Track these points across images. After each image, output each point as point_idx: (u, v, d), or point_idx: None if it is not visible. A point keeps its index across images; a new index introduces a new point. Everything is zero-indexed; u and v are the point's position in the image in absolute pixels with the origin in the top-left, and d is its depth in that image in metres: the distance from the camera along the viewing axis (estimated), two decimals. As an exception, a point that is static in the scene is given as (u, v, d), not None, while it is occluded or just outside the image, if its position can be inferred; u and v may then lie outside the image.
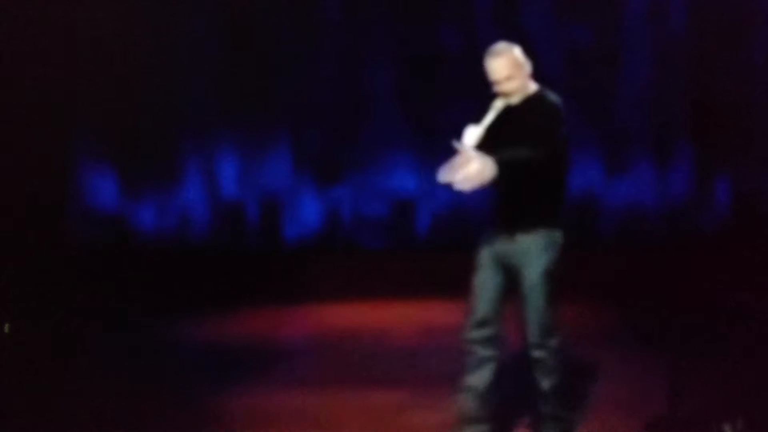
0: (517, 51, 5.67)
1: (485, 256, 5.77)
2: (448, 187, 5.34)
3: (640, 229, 11.89)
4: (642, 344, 8.51)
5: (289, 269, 11.46)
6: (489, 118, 5.61)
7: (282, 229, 12.16)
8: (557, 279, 5.68)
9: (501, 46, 5.68)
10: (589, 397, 6.87)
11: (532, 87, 5.72)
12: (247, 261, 11.72)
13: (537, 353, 5.68)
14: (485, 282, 5.75)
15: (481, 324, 5.74)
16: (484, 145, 5.47)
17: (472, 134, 5.55)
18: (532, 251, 5.64)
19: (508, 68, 5.61)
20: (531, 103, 5.67)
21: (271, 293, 10.90)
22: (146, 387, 7.51)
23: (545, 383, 5.71)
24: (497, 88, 5.64)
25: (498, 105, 5.65)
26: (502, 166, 5.31)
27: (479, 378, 5.76)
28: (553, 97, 5.68)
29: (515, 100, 5.67)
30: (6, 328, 9.50)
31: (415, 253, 11.89)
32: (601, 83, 11.88)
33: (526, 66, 5.68)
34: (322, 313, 10.31)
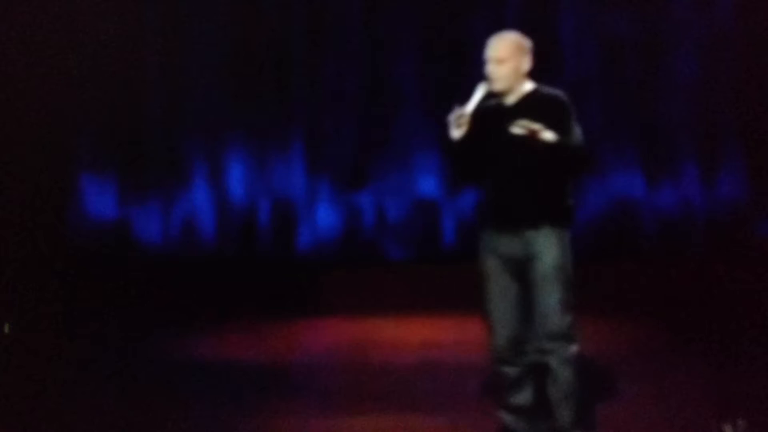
0: (526, 44, 5.76)
1: (491, 265, 5.77)
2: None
3: (686, 238, 11.73)
4: (681, 361, 8.43)
5: (303, 281, 11.38)
6: (473, 102, 5.65)
7: (296, 238, 12.04)
8: (572, 281, 5.69)
9: (512, 32, 5.78)
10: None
11: (528, 86, 5.77)
12: (257, 272, 11.65)
13: (547, 359, 5.68)
14: (501, 295, 5.75)
15: (510, 342, 5.77)
16: (490, 142, 5.63)
17: (458, 119, 5.63)
18: (542, 244, 5.67)
19: (507, 51, 5.68)
20: (539, 101, 5.71)
21: (283, 307, 10.86)
22: (148, 405, 7.34)
23: (555, 392, 5.70)
24: (487, 68, 5.69)
25: (480, 90, 5.69)
26: (562, 144, 5.50)
27: (522, 397, 5.83)
28: (556, 92, 5.74)
29: (511, 99, 5.73)
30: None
31: (441, 264, 11.73)
32: (640, 79, 11.71)
33: (526, 64, 5.73)
34: (338, 328, 10.24)
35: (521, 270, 5.70)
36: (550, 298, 5.63)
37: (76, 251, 11.63)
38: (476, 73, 11.49)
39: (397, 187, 12.00)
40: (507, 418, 5.87)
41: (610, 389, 7.27)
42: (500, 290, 5.75)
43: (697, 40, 11.75)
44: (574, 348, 5.69)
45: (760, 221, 11.64)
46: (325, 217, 12.02)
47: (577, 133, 5.69)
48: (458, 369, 8.37)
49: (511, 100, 5.73)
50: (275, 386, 8.01)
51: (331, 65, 11.98)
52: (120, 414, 7.08)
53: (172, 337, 9.84)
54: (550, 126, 5.54)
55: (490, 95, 5.73)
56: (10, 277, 10.49)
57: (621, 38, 11.58)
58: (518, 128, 5.50)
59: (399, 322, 10.38)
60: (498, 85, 5.69)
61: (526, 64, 5.72)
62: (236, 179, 12.04)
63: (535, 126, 5.48)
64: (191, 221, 12.01)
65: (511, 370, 5.79)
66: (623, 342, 9.07)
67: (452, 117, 5.62)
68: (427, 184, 11.97)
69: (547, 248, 5.65)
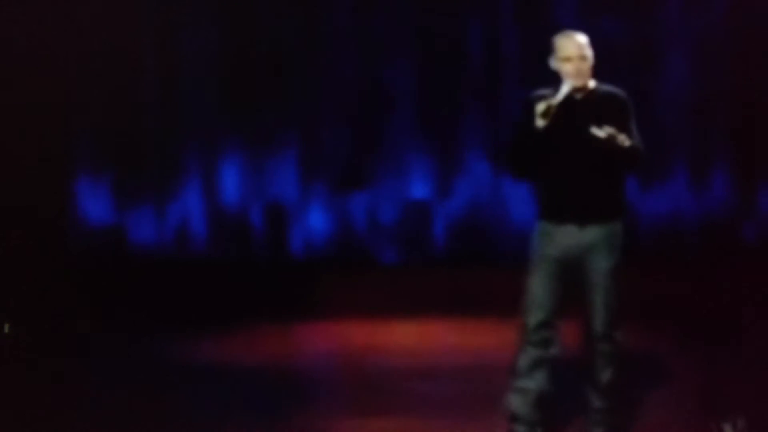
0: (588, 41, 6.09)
1: (544, 252, 6.01)
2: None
3: (677, 242, 11.71)
4: (676, 362, 8.47)
5: (295, 284, 11.32)
6: (561, 95, 5.88)
7: (289, 241, 12.01)
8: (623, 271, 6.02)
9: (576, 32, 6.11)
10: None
11: (591, 82, 6.09)
12: (250, 274, 11.59)
13: (601, 345, 6.00)
14: (546, 281, 5.98)
15: (541, 326, 6.00)
16: (557, 135, 5.85)
17: (546, 109, 5.84)
18: (606, 241, 5.97)
19: (587, 48, 6.00)
20: (603, 96, 6.03)
21: (276, 310, 10.76)
22: (143, 409, 7.36)
23: (604, 375, 6.02)
24: (568, 66, 5.95)
25: (567, 86, 5.92)
26: (633, 148, 5.87)
27: (533, 381, 6.04)
28: (617, 89, 6.10)
29: (578, 94, 5.99)
30: (6, 328, 9.76)
31: (433, 267, 11.75)
32: (632, 83, 11.52)
33: (592, 60, 6.06)
34: (330, 331, 10.19)
35: (574, 262, 5.99)
36: (610, 292, 5.98)
37: (71, 254, 11.58)
38: (470, 75, 11.63)
39: (389, 191, 11.99)
40: (513, 399, 6.08)
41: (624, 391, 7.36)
42: (547, 275, 5.98)
43: (689, 45, 11.73)
44: (622, 331, 6.05)
45: (748, 225, 11.65)
46: (317, 219, 11.99)
47: (635, 131, 6.02)
48: (452, 372, 8.40)
49: (578, 95, 6.01)
50: (269, 389, 8.00)
51: (324, 68, 11.94)
52: (115, 416, 7.10)
53: (165, 341, 9.79)
54: (613, 120, 5.87)
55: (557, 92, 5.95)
56: (10, 279, 10.42)
57: (613, 42, 11.51)
58: (601, 132, 5.79)
59: (392, 325, 10.36)
60: (582, 81, 5.98)
61: (592, 60, 6.06)
62: (230, 182, 12.01)
63: (615, 132, 5.79)
64: (185, 224, 11.97)
65: (534, 353, 6.00)
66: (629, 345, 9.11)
67: (540, 107, 5.83)
68: (420, 188, 11.96)
69: (611, 246, 5.99)
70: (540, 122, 5.82)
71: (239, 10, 11.90)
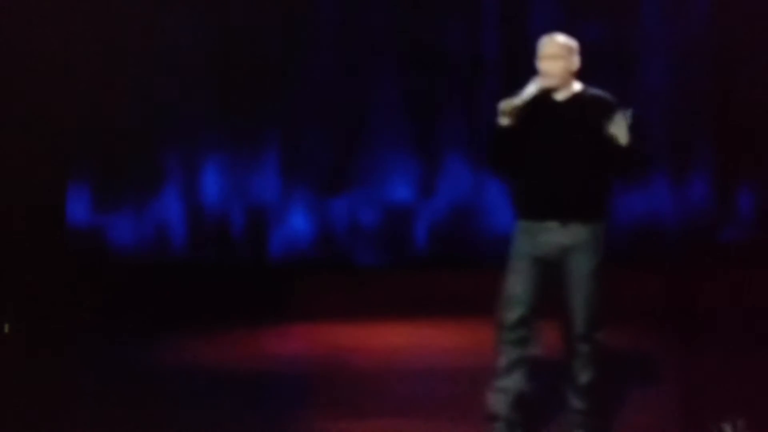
0: (574, 45, 6.08)
1: (524, 250, 5.99)
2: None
3: (655, 244, 11.76)
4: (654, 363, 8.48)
5: (276, 287, 11.28)
6: (526, 94, 5.88)
7: (269, 244, 12.03)
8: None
9: (561, 34, 6.10)
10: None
11: (577, 86, 6.08)
12: (231, 277, 11.58)
13: (581, 346, 5.97)
14: (524, 279, 5.97)
15: (518, 324, 5.97)
16: (540, 135, 5.90)
17: (510, 107, 5.87)
18: (589, 242, 5.95)
19: (560, 49, 6.00)
20: (589, 99, 6.03)
21: (256, 312, 10.76)
22: (121, 412, 7.30)
23: (584, 377, 6.00)
24: (541, 65, 5.99)
25: (534, 85, 5.93)
26: (630, 147, 5.83)
27: (512, 380, 6.01)
28: (604, 93, 6.07)
29: (561, 96, 6.02)
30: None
31: (414, 270, 11.78)
32: (613, 86, 11.60)
33: (575, 63, 6.05)
34: (310, 334, 10.18)
35: (555, 262, 5.96)
36: (591, 293, 5.94)
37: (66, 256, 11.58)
38: (452, 79, 11.66)
39: (370, 194, 12.02)
40: (493, 399, 6.06)
41: (617, 392, 7.34)
42: (526, 274, 5.96)
43: (668, 48, 11.80)
44: (603, 332, 6.01)
45: (728, 228, 11.72)
46: (299, 222, 12.01)
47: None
48: (432, 374, 8.41)
49: (561, 96, 6.03)
50: (249, 392, 7.99)
51: (305, 72, 11.97)
52: (94, 420, 7.10)
53: (144, 343, 9.78)
54: (599, 124, 5.86)
55: (541, 91, 5.98)
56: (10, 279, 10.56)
57: (593, 46, 11.66)
58: (617, 127, 5.80)
59: (372, 328, 10.38)
60: (551, 81, 5.97)
61: (576, 63, 6.05)
62: (210, 185, 12.02)
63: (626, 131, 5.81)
64: (165, 227, 11.98)
65: (512, 352, 5.99)
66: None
67: (501, 105, 5.86)
68: (401, 191, 11.99)
69: (594, 245, 5.96)
70: (504, 120, 5.87)
71: (221, 12, 11.93)
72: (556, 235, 5.94)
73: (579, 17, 11.60)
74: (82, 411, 7.42)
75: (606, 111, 5.93)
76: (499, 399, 6.04)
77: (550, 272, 5.97)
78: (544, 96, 5.97)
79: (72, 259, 11.38)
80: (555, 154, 5.94)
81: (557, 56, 5.97)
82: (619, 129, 5.81)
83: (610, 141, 5.84)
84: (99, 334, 10.21)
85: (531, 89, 5.91)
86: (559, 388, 6.13)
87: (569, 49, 6.03)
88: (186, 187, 12.00)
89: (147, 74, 11.86)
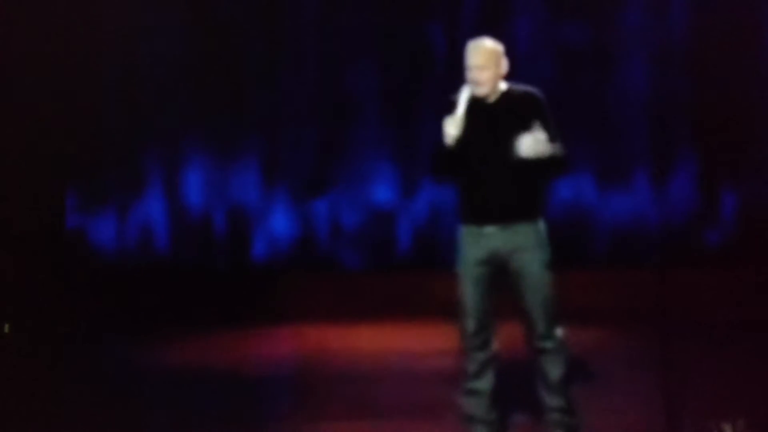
0: (501, 49, 6.08)
1: (471, 257, 6.02)
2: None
3: (638, 247, 11.72)
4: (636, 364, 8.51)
5: (258, 289, 11.28)
6: (461, 106, 5.95)
7: (251, 246, 12.01)
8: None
9: (487, 39, 6.09)
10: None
11: (503, 85, 6.10)
12: (213, 279, 11.60)
13: (544, 344, 6.00)
14: (474, 286, 6.02)
15: (478, 330, 6.03)
16: (474, 139, 5.93)
17: (454, 123, 5.93)
18: (533, 241, 6.00)
19: (488, 58, 6.02)
20: (516, 98, 6.07)
21: (238, 315, 10.78)
22: (101, 414, 7.32)
23: (554, 374, 6.02)
24: (469, 75, 6.01)
25: (465, 95, 5.98)
26: (555, 156, 5.88)
27: (484, 381, 6.08)
28: (529, 89, 6.10)
29: (491, 98, 6.05)
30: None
31: (396, 272, 11.76)
32: (594, 88, 11.75)
33: (504, 66, 6.08)
34: (293, 336, 10.21)
35: (502, 263, 5.99)
36: (545, 292, 5.99)
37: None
38: (432, 82, 11.69)
39: (352, 196, 12.01)
40: (466, 402, 6.12)
41: (603, 392, 7.46)
42: (475, 280, 6.01)
43: (650, 49, 11.76)
44: (563, 328, 6.02)
45: (710, 230, 11.73)
46: (280, 224, 12.01)
47: (553, 130, 5.99)
48: (415, 376, 8.44)
49: (491, 99, 6.05)
50: (232, 394, 8.01)
51: (287, 74, 11.97)
52: (76, 421, 7.11)
53: (126, 346, 9.80)
54: (528, 121, 5.90)
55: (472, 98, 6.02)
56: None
57: (575, 46, 11.59)
58: (527, 148, 5.80)
59: (355, 330, 10.40)
60: (482, 90, 6.01)
61: (504, 67, 6.07)
62: (192, 187, 12.01)
63: (539, 138, 5.82)
64: (147, 229, 11.96)
65: (479, 356, 6.04)
66: (589, 349, 9.01)
67: (447, 122, 5.93)
68: (383, 193, 11.99)
69: (540, 245, 6.01)
70: (451, 134, 5.91)
71: (202, 15, 11.92)
72: (496, 239, 5.98)
73: (560, 19, 11.64)
74: (58, 411, 7.42)
75: (533, 107, 5.99)
76: (472, 401, 6.09)
77: (498, 274, 6.01)
78: (475, 100, 6.00)
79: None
80: (489, 157, 5.97)
81: (485, 66, 5.99)
82: (529, 150, 5.82)
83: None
84: (83, 336, 10.23)
85: (462, 98, 5.96)
86: (532, 387, 6.15)
87: (497, 56, 6.04)
88: (168, 189, 11.98)
89: (128, 76, 11.85)
